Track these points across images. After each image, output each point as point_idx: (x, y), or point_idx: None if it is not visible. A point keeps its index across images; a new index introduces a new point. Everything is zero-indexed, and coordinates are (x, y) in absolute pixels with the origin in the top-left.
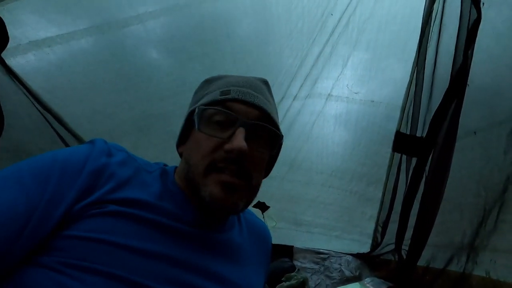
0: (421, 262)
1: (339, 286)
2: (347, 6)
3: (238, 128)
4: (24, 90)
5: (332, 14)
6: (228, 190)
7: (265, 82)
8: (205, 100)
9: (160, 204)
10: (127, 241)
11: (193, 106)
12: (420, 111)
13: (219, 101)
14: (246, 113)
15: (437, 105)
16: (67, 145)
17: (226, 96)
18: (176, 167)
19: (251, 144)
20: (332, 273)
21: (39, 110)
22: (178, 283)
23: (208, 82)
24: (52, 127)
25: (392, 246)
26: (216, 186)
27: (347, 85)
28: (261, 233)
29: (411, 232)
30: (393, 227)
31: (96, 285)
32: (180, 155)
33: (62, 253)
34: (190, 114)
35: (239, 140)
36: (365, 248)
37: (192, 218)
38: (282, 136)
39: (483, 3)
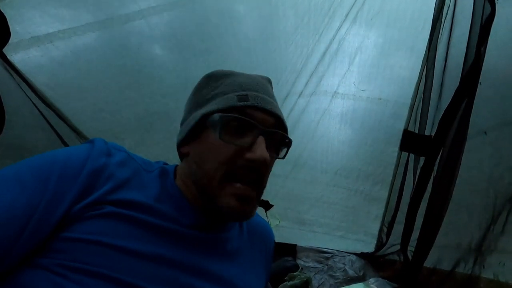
0: (427, 263)
1: (342, 286)
2: (355, 0)
3: (259, 137)
4: (26, 86)
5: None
6: (244, 202)
7: (269, 81)
8: (220, 104)
9: (158, 206)
10: (125, 243)
11: (206, 109)
12: (429, 109)
13: (237, 108)
14: (264, 121)
15: (447, 104)
16: (65, 143)
17: (245, 103)
18: (176, 166)
19: (267, 150)
20: (335, 273)
21: (37, 108)
22: (176, 285)
23: (212, 79)
24: (50, 125)
25: (398, 247)
26: (233, 199)
27: (354, 82)
28: (262, 232)
29: (417, 233)
30: (398, 227)
31: (93, 287)
32: (183, 155)
33: (61, 255)
34: (204, 118)
35: (262, 150)
36: (370, 249)
37: (190, 220)
38: (292, 141)
39: None
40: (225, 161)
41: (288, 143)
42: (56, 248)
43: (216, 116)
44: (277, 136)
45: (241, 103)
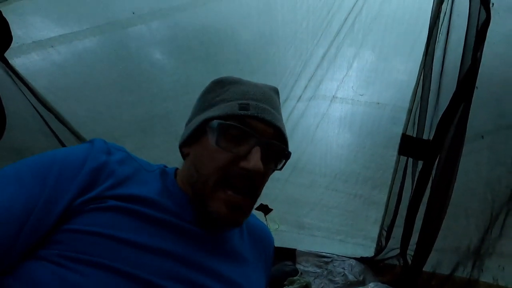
0: (426, 268)
1: None
2: (353, 6)
3: (255, 147)
4: (27, 90)
5: None
6: (234, 210)
7: (276, 92)
8: (221, 111)
9: (160, 201)
10: (125, 235)
11: (208, 115)
12: (427, 113)
13: (237, 116)
14: (263, 131)
15: (445, 108)
16: (64, 146)
17: (246, 112)
18: (176, 169)
19: (263, 161)
20: (335, 277)
21: (37, 111)
22: (177, 278)
23: (220, 85)
24: (50, 128)
25: (397, 251)
26: (223, 205)
27: (352, 86)
28: (262, 235)
29: (417, 237)
30: (398, 231)
31: (95, 278)
32: (184, 155)
33: (62, 246)
34: (204, 123)
35: (256, 160)
36: (369, 253)
37: (191, 217)
38: (290, 153)
39: (493, 4)
40: (220, 167)
41: (287, 155)
42: (56, 240)
43: (215, 122)
44: (275, 147)
45: (242, 112)
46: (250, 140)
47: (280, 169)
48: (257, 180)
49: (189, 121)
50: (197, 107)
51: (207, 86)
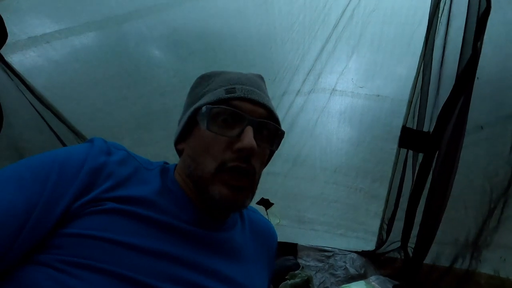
0: (427, 260)
1: (344, 284)
2: None
3: (247, 127)
4: (24, 87)
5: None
6: (236, 191)
7: (261, 78)
8: (209, 98)
9: (160, 201)
10: (125, 238)
11: (197, 104)
12: (427, 105)
13: (225, 100)
14: (252, 112)
15: (445, 99)
16: (63, 144)
17: (232, 95)
18: (176, 165)
19: (256, 141)
20: (336, 271)
21: (36, 109)
22: (178, 281)
23: (204, 79)
24: (49, 126)
25: (398, 244)
26: (224, 187)
27: (352, 79)
28: (265, 232)
29: (417, 230)
30: (399, 224)
31: (94, 283)
32: (179, 151)
33: (61, 251)
34: (194, 112)
35: (249, 138)
36: (370, 246)
37: (191, 217)
38: (284, 132)
39: None
40: (216, 154)
41: (280, 134)
42: (56, 244)
43: (204, 108)
44: (268, 126)
45: (228, 95)
46: (241, 121)
47: (276, 149)
48: (254, 159)
49: (181, 119)
50: (186, 104)
51: (194, 82)
